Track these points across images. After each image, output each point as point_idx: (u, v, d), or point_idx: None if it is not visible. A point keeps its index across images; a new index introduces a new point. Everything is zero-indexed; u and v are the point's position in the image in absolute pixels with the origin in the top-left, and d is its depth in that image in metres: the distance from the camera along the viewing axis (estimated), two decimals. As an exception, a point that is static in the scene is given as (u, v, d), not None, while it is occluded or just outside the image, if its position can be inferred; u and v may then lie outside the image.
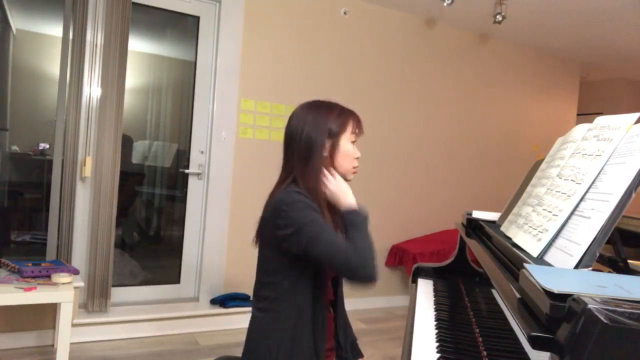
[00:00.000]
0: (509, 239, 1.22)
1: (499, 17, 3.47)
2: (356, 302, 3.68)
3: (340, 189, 1.34)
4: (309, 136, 1.34)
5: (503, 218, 1.51)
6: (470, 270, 1.83)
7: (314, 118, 1.36)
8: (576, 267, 0.85)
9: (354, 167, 1.41)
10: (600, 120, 1.10)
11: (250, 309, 1.41)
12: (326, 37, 3.61)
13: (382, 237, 3.91)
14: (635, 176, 0.84)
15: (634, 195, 0.84)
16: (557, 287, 0.67)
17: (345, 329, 1.48)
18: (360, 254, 1.20)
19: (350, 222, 1.28)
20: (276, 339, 1.28)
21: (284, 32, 3.45)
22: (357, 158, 1.41)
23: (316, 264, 1.28)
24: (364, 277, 1.19)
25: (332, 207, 1.40)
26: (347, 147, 1.38)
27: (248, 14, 3.30)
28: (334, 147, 1.36)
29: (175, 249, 3.31)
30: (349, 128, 1.38)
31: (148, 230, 3.59)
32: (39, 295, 2.20)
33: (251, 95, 3.35)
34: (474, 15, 3.85)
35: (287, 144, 1.39)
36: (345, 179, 1.40)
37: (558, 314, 0.65)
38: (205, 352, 2.82)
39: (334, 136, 1.35)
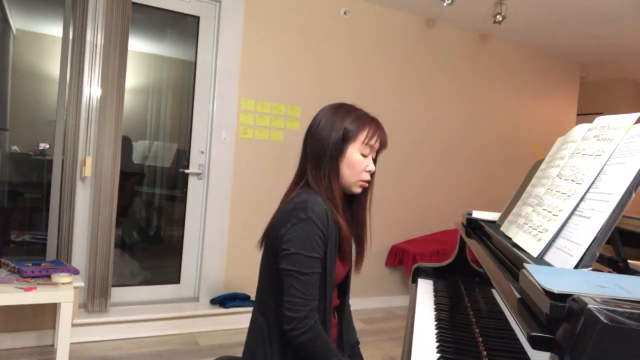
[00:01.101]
0: (509, 239, 1.22)
1: (499, 17, 3.47)
2: (356, 302, 3.66)
3: None
4: (321, 137, 1.30)
5: (503, 218, 1.51)
6: (470, 270, 1.83)
7: (329, 119, 1.31)
8: (576, 267, 0.85)
9: (362, 180, 1.33)
10: (600, 120, 1.10)
11: (250, 309, 1.40)
12: (326, 37, 3.61)
13: (382, 237, 3.91)
14: (635, 176, 0.84)
15: (634, 195, 0.84)
16: (557, 287, 0.67)
17: (348, 334, 1.45)
18: (310, 336, 1.17)
19: None
20: (277, 342, 1.27)
21: (284, 32, 3.45)
22: (369, 172, 1.33)
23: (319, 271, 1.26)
24: (292, 331, 1.18)
25: (348, 206, 1.38)
26: (355, 157, 1.30)
27: (248, 14, 3.30)
28: (340, 153, 1.30)
29: (175, 249, 3.31)
30: (361, 137, 1.29)
31: (148, 230, 3.58)
32: (39, 295, 2.20)
33: (251, 95, 3.35)
34: (474, 15, 3.85)
35: (303, 144, 1.36)
36: (350, 191, 1.34)
37: (558, 314, 0.65)
38: (205, 352, 2.82)
39: (343, 142, 1.29)
